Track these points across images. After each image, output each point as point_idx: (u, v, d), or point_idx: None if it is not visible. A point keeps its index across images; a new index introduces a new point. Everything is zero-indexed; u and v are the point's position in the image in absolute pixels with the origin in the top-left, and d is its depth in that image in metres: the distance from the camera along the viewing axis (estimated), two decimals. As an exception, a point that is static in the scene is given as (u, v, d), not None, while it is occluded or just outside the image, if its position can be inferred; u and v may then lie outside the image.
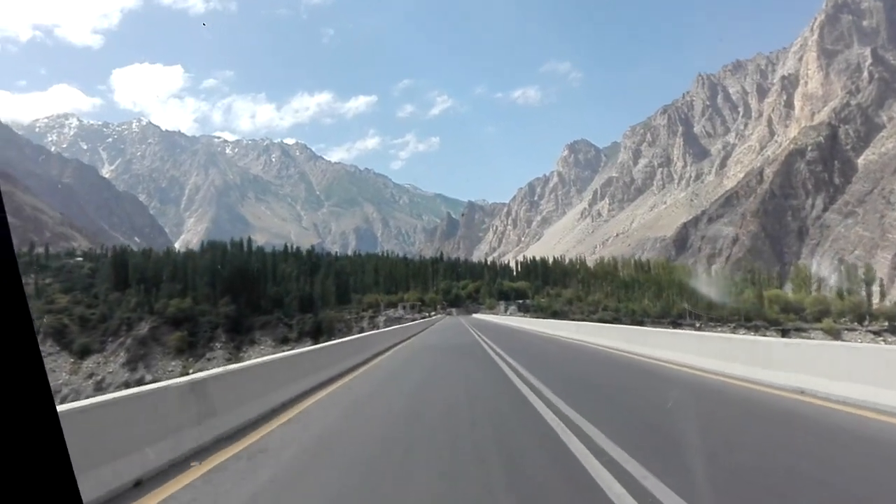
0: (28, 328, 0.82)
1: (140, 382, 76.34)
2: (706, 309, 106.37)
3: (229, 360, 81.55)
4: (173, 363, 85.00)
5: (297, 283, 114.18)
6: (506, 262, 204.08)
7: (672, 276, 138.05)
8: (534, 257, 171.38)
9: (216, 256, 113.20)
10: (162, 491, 4.77)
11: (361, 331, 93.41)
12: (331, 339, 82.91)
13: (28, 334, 0.82)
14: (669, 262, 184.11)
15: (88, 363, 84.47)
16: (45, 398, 0.85)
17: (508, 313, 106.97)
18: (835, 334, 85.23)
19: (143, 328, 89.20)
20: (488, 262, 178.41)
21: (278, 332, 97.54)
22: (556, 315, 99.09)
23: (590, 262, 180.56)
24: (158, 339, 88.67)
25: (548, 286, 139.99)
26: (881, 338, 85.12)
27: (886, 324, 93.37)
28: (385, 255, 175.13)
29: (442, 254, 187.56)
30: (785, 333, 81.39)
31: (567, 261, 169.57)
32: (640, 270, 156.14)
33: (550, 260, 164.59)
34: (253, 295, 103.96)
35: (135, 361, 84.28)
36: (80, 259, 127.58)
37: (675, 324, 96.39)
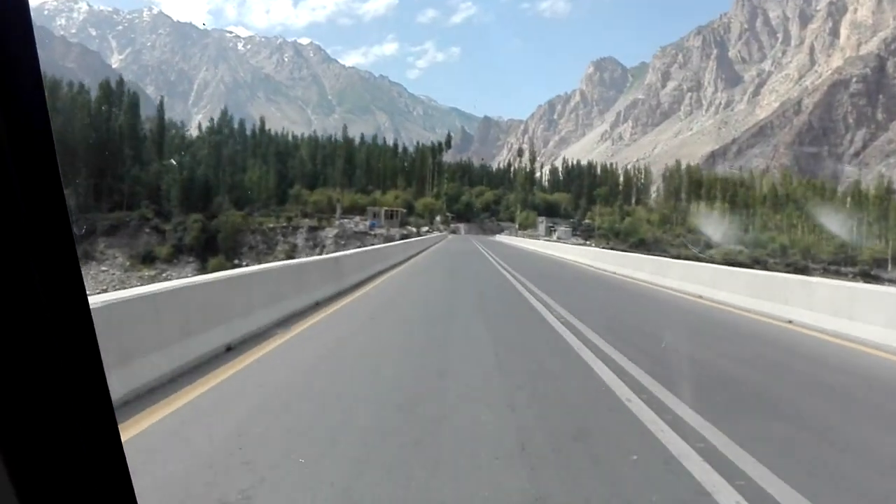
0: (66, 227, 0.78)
1: None
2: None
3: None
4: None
5: (191, 160, 78.92)
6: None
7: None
8: (578, 161, 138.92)
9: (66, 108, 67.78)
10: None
11: (292, 251, 66.00)
12: (234, 263, 54.01)
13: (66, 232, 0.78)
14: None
15: None
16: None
17: (556, 237, 76.39)
18: None
19: None
20: (515, 168, 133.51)
21: (140, 241, 64.95)
22: (642, 246, 71.36)
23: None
24: None
25: (606, 200, 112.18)
26: None
27: None
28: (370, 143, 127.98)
29: (450, 137, 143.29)
30: None
31: (621, 169, 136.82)
32: (738, 187, 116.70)
33: (598, 168, 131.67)
34: (110, 177, 67.87)
35: None
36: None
37: (867, 276, 68.74)
